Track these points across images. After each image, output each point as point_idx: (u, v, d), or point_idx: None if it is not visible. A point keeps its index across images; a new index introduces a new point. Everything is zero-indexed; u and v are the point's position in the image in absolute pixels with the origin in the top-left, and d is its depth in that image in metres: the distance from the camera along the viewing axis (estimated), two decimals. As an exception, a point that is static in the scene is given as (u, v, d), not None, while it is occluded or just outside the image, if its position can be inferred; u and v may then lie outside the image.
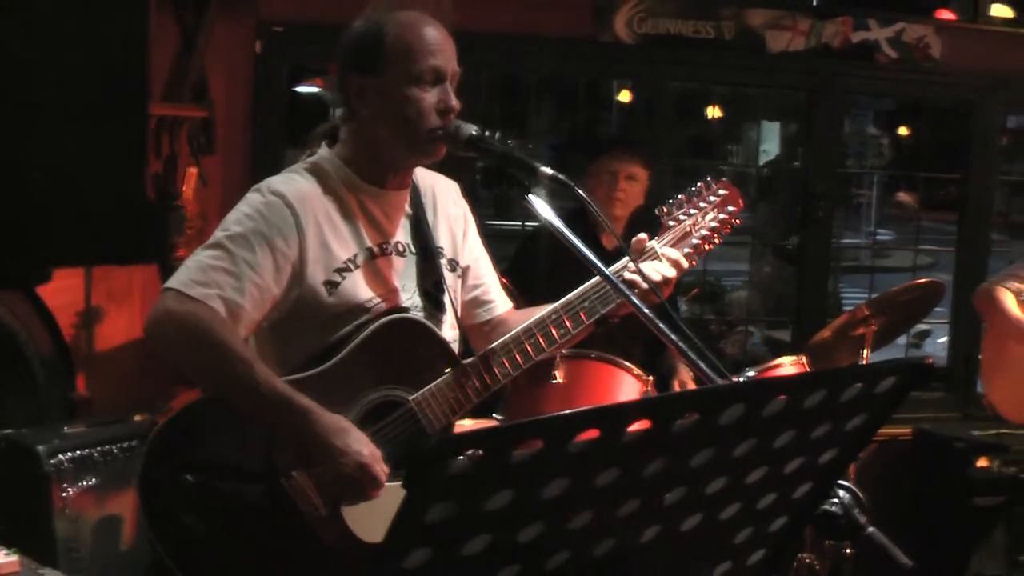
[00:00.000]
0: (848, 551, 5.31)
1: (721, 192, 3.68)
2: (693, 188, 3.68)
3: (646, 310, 2.87)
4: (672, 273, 3.43)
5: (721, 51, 6.81)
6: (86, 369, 5.69)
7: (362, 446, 3.08)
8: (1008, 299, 5.85)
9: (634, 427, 1.64)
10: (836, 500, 2.37)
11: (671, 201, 3.63)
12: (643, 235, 3.49)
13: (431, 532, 1.57)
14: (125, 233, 1.29)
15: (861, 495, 2.39)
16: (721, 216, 3.65)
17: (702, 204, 3.66)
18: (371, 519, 3.19)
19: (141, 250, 1.40)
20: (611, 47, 6.60)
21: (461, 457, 1.49)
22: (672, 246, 3.57)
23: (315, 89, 14.64)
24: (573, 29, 6.54)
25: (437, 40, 3.27)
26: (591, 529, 1.76)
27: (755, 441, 1.85)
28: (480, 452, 1.51)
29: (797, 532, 2.25)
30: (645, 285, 3.32)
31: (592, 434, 1.61)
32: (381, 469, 3.10)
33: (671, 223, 3.61)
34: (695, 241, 3.61)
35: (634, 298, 2.93)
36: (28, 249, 1.16)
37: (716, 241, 3.68)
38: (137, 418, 5.26)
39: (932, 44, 7.13)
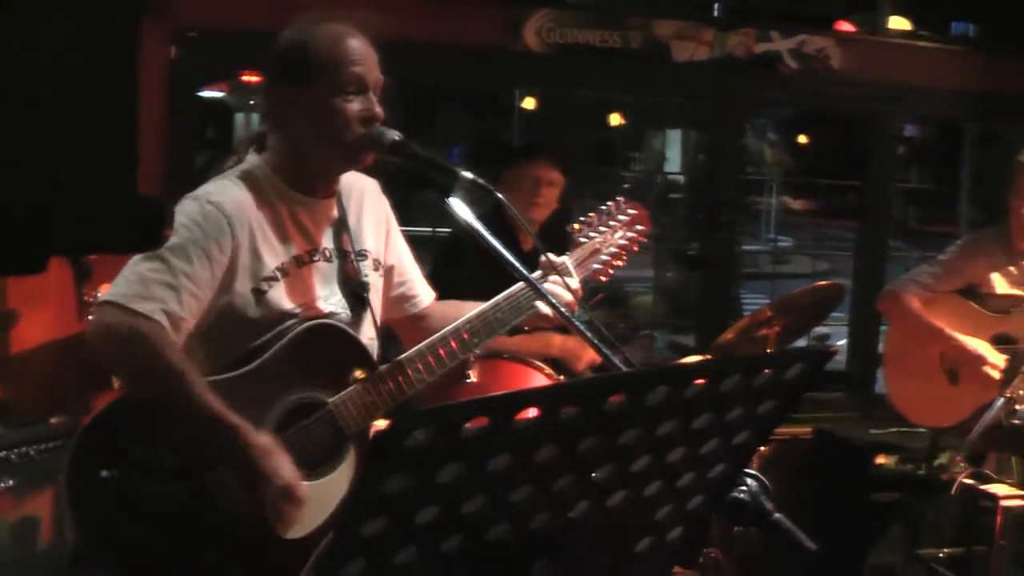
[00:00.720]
0: (753, 547, 5.46)
1: (630, 212, 3.87)
2: (603, 207, 3.86)
3: (565, 311, 3.00)
4: (576, 286, 3.59)
5: (628, 60, 6.89)
6: (2, 372, 5.67)
7: (285, 471, 3.17)
8: (914, 302, 6.00)
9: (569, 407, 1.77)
10: (744, 488, 2.46)
11: (582, 219, 3.79)
12: (547, 257, 3.62)
13: (388, 502, 1.68)
14: (123, 225, 1.36)
15: (767, 483, 2.48)
16: (629, 235, 3.85)
17: (612, 223, 3.84)
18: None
19: (138, 240, 1.47)
20: (521, 56, 6.67)
21: (417, 432, 1.61)
22: (582, 261, 3.74)
23: (219, 94, 14.59)
24: (483, 39, 6.60)
25: (360, 50, 3.36)
26: (529, 503, 1.89)
27: (676, 422, 1.98)
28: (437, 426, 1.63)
29: (712, 511, 2.39)
30: (565, 295, 3.48)
31: (532, 413, 1.74)
32: (299, 497, 3.19)
33: (582, 239, 3.77)
34: (604, 257, 3.80)
35: (553, 300, 3.05)
36: (26, 239, 1.23)
37: (624, 258, 3.84)
38: (54, 420, 5.25)
39: (832, 55, 7.27)
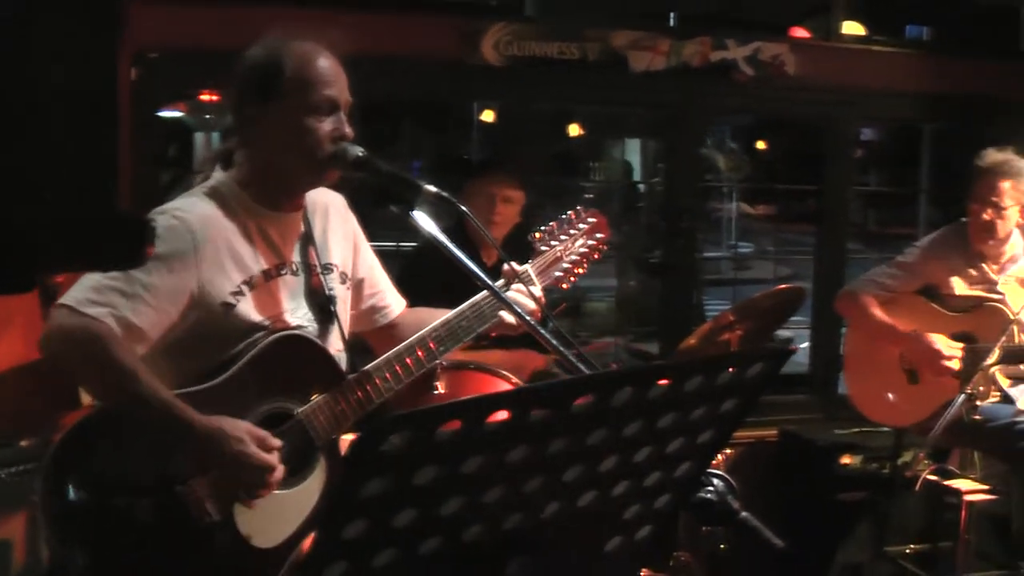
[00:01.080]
0: (723, 546, 5.51)
1: (590, 220, 3.96)
2: (564, 216, 3.93)
3: (530, 319, 3.06)
4: (539, 293, 3.65)
5: (585, 72, 6.93)
6: (-29, 396, 5.66)
7: (241, 435, 3.20)
8: (871, 303, 6.07)
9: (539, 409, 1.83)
10: (711, 488, 2.50)
11: (543, 228, 3.87)
12: (510, 267, 3.70)
13: (367, 505, 1.74)
14: (106, 241, 1.39)
15: (734, 483, 2.53)
16: (590, 243, 3.92)
17: (572, 231, 3.91)
18: (263, 525, 3.32)
19: (122, 256, 1.50)
20: (479, 69, 6.71)
21: (393, 436, 1.66)
22: (544, 270, 3.80)
23: (178, 114, 14.60)
24: (441, 52, 6.63)
25: (333, 72, 3.41)
26: (502, 503, 1.94)
27: (642, 422, 2.04)
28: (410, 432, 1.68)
29: (679, 510, 2.44)
30: (528, 304, 3.55)
31: (503, 415, 1.80)
32: (266, 453, 3.22)
33: (543, 248, 3.84)
34: (565, 265, 3.87)
35: (518, 308, 3.11)
36: (14, 258, 1.26)
37: (585, 266, 3.91)
38: (24, 443, 5.24)
39: (787, 61, 7.32)
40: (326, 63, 3.41)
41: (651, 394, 2.00)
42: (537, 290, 3.73)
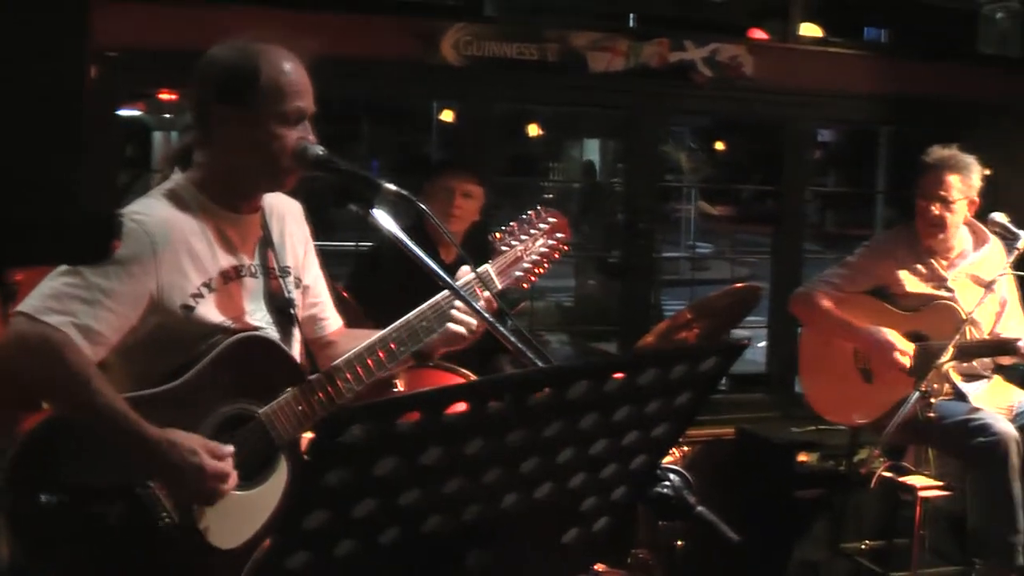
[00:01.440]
0: (679, 543, 5.55)
1: (551, 220, 3.98)
2: (524, 216, 3.95)
3: (490, 317, 3.08)
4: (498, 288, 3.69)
5: (545, 72, 6.98)
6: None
7: (193, 446, 3.20)
8: (825, 301, 6.12)
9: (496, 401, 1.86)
10: (668, 483, 2.52)
11: (504, 228, 3.89)
12: (464, 268, 3.73)
13: (328, 495, 1.76)
14: (73, 237, 1.41)
15: (691, 478, 2.56)
16: (550, 242, 3.94)
17: (532, 231, 3.93)
18: (225, 526, 3.32)
19: (88, 251, 1.52)
20: (439, 70, 6.74)
21: (354, 427, 1.69)
22: (504, 270, 3.83)
23: (137, 113, 14.57)
24: (401, 52, 6.65)
25: (303, 83, 3.42)
26: (460, 495, 1.97)
27: (598, 415, 2.07)
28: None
29: (635, 502, 2.48)
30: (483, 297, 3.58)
31: (462, 407, 1.83)
32: (219, 464, 3.22)
33: (504, 248, 3.86)
34: (526, 265, 3.89)
35: (477, 307, 3.14)
36: None
37: (545, 266, 3.94)
38: (-16, 444, 5.24)
39: (745, 63, 7.38)
40: (298, 73, 3.42)
41: (606, 387, 2.04)
42: (496, 287, 3.76)
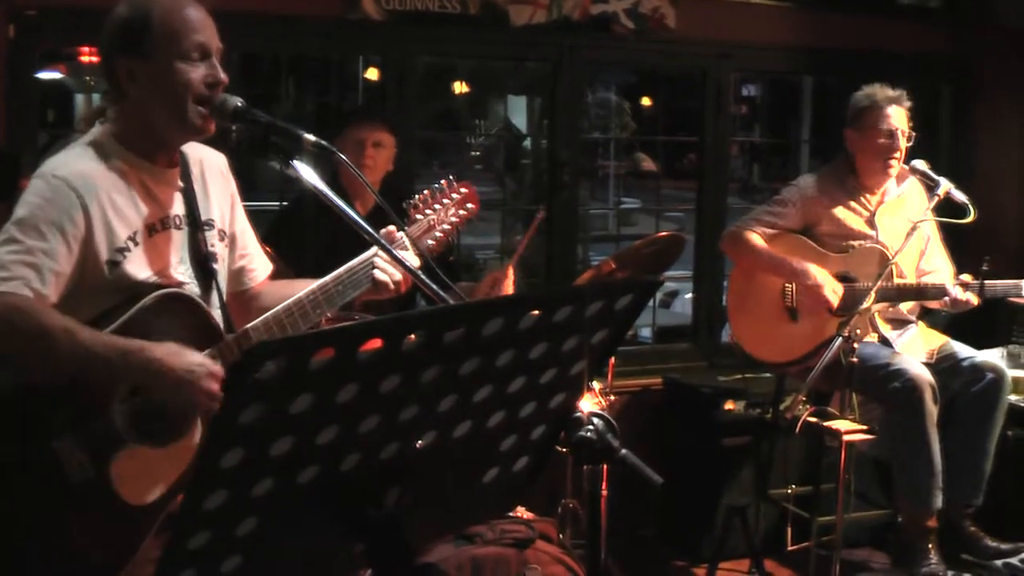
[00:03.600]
0: (604, 492, 5.57)
1: (462, 191, 4.08)
2: (436, 185, 4.07)
3: (418, 272, 3.10)
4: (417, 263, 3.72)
5: (467, 26, 6.95)
6: None
7: (201, 359, 3.25)
8: (755, 238, 6.19)
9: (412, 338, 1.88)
10: (591, 427, 2.54)
11: (417, 196, 3.99)
12: (392, 228, 3.74)
13: (244, 433, 1.77)
14: None
15: (614, 423, 2.57)
16: (461, 212, 4.07)
17: (445, 200, 4.06)
18: (138, 482, 3.32)
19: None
20: (360, 25, 6.69)
21: (268, 363, 1.69)
22: (419, 237, 3.89)
23: (58, 75, 14.42)
24: (322, 8, 6.61)
25: (200, 18, 3.42)
26: (378, 433, 1.98)
27: (514, 352, 2.09)
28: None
29: (554, 441, 2.50)
30: (413, 259, 3.62)
31: (376, 344, 1.84)
32: (217, 380, 3.24)
33: (418, 216, 3.93)
34: (438, 234, 3.99)
35: (404, 260, 3.16)
36: None
37: (454, 234, 4.05)
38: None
39: (667, 15, 7.38)
40: (193, 10, 3.42)
41: (522, 325, 2.05)
42: (413, 256, 3.79)
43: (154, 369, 3.18)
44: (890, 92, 6.26)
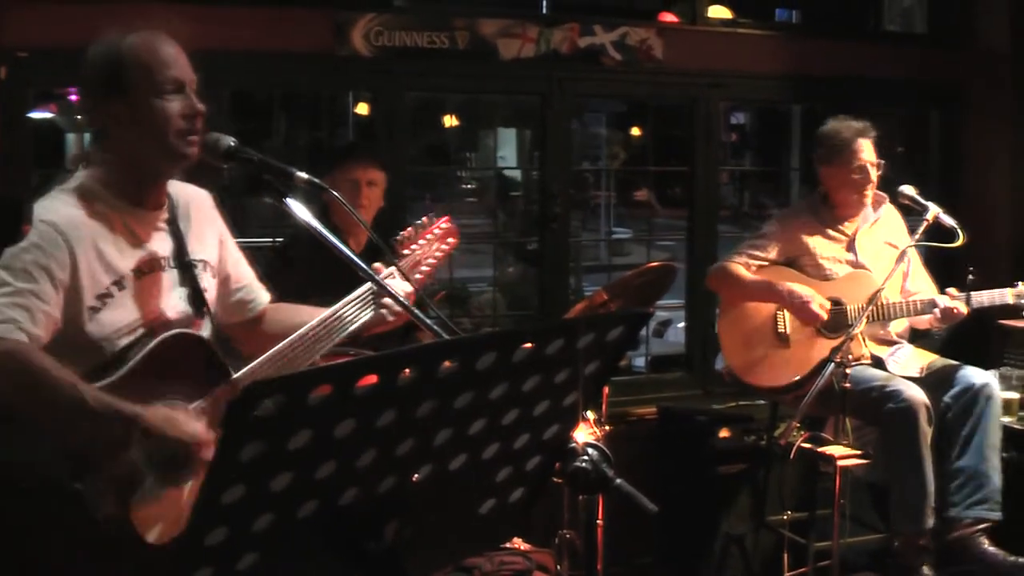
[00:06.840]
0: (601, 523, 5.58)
1: (443, 226, 4.14)
2: (418, 222, 4.13)
3: (413, 308, 3.13)
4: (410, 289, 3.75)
5: (456, 60, 6.99)
6: None
7: (195, 426, 3.28)
8: (740, 269, 6.25)
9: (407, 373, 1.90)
10: (586, 458, 2.56)
11: (402, 233, 4.03)
12: (379, 264, 3.79)
13: (244, 469, 1.79)
14: None
15: (609, 453, 2.59)
16: (443, 247, 4.13)
17: (428, 236, 4.11)
18: (158, 522, 3.32)
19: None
20: (350, 61, 6.73)
21: (267, 400, 1.72)
22: (408, 271, 3.94)
23: (49, 115, 14.45)
24: (311, 44, 6.64)
25: (171, 53, 3.46)
26: (375, 467, 2.01)
27: (507, 385, 2.12)
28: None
29: (549, 472, 2.52)
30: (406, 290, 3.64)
31: (372, 379, 1.87)
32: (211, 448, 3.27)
33: (405, 252, 3.98)
34: (424, 268, 4.02)
35: (399, 296, 3.19)
36: None
37: (436, 269, 4.11)
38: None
39: (655, 46, 7.42)
40: (164, 46, 3.45)
41: (515, 358, 2.08)
42: (406, 287, 3.83)
43: (153, 436, 3.20)
44: (855, 124, 6.36)
